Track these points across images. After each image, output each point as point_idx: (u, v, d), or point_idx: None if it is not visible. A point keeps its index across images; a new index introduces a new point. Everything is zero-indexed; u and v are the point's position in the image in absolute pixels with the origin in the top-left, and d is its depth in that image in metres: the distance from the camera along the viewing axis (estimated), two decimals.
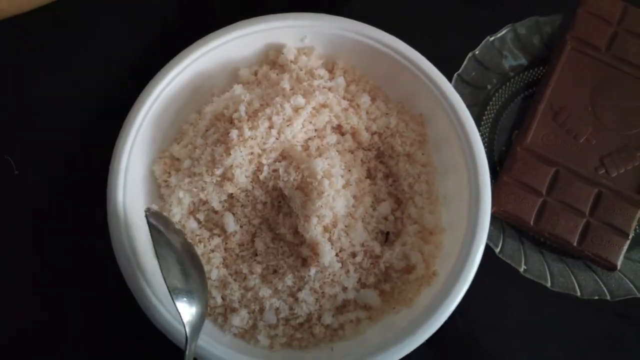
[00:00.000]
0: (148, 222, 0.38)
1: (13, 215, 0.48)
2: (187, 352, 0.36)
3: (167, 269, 0.36)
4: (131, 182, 0.42)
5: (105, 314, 0.46)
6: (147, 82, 0.44)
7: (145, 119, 0.43)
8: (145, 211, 0.39)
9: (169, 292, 0.35)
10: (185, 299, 0.36)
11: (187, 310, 0.36)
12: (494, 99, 0.53)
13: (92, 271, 0.46)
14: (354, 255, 0.43)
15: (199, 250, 0.42)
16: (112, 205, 0.41)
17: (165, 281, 0.36)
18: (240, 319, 0.42)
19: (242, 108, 0.43)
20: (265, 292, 0.42)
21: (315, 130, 0.45)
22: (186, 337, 0.36)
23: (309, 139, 0.45)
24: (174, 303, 0.35)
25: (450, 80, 0.46)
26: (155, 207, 0.40)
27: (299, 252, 0.43)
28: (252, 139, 0.42)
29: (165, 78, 0.44)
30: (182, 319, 0.36)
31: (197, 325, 0.36)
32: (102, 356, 0.46)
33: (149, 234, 0.37)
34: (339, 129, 0.46)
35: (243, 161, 0.42)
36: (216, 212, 0.44)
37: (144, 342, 0.45)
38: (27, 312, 0.46)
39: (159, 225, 0.38)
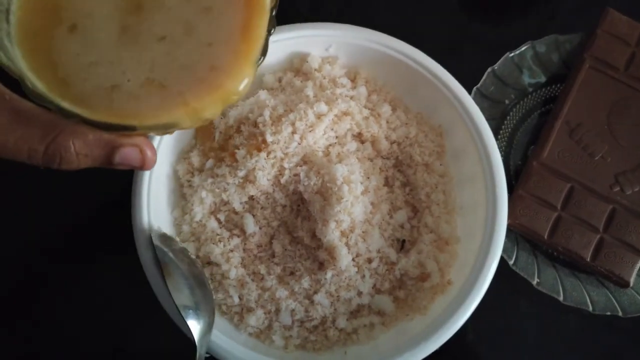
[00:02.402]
0: (154, 245, 0.40)
1: (39, 210, 0.49)
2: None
3: (175, 288, 0.38)
4: (156, 180, 0.43)
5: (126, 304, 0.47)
6: None
7: None
8: (151, 235, 0.41)
9: (178, 309, 0.37)
10: (191, 312, 0.38)
11: (195, 324, 0.38)
12: (511, 113, 0.54)
13: (117, 264, 0.47)
14: (369, 261, 0.44)
15: (219, 249, 0.43)
16: (137, 200, 0.42)
17: (173, 300, 0.38)
18: (256, 319, 0.42)
19: (267, 113, 0.44)
20: (281, 293, 0.42)
21: (337, 137, 0.46)
22: (195, 347, 0.37)
23: (330, 145, 0.46)
24: (184, 319, 0.37)
25: (469, 93, 0.47)
26: (160, 229, 0.42)
27: (316, 255, 0.44)
28: (275, 143, 0.43)
29: None
30: (191, 333, 0.37)
31: (205, 333, 0.38)
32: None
33: (173, 232, 0.38)
34: (359, 137, 0.47)
35: (265, 164, 0.43)
36: (236, 213, 0.45)
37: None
38: (51, 309, 0.47)
39: (164, 247, 0.40)
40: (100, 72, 0.28)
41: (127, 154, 0.28)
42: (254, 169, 0.42)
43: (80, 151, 0.27)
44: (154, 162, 0.30)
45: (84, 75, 0.27)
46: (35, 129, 0.27)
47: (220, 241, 0.44)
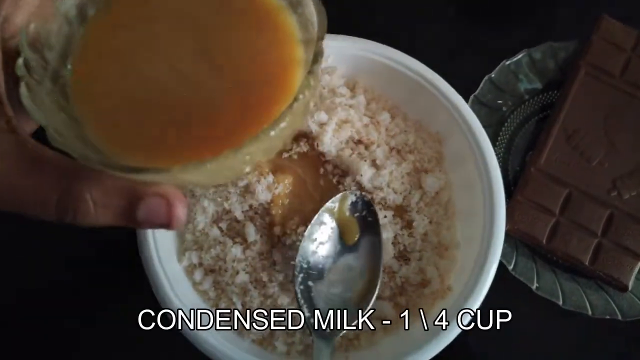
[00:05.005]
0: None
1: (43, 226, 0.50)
2: None
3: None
4: None
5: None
6: None
7: None
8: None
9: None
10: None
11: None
12: (509, 120, 0.54)
13: (122, 277, 0.47)
14: None
15: (222, 257, 0.44)
16: None
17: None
18: None
19: None
20: (283, 300, 0.43)
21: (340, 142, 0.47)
22: None
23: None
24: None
25: (466, 101, 0.48)
26: None
27: None
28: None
29: None
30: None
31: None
32: None
33: (176, 240, 0.39)
34: (360, 143, 0.48)
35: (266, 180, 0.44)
36: (238, 222, 0.45)
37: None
38: (57, 318, 0.48)
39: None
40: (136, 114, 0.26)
41: (152, 206, 0.24)
42: (254, 182, 0.43)
43: (97, 201, 0.24)
44: (183, 219, 0.25)
45: (117, 115, 0.25)
46: (49, 176, 0.24)
47: (222, 250, 0.45)
